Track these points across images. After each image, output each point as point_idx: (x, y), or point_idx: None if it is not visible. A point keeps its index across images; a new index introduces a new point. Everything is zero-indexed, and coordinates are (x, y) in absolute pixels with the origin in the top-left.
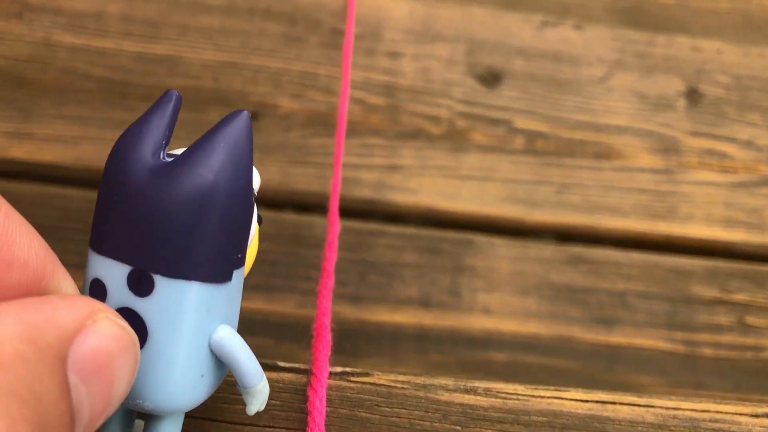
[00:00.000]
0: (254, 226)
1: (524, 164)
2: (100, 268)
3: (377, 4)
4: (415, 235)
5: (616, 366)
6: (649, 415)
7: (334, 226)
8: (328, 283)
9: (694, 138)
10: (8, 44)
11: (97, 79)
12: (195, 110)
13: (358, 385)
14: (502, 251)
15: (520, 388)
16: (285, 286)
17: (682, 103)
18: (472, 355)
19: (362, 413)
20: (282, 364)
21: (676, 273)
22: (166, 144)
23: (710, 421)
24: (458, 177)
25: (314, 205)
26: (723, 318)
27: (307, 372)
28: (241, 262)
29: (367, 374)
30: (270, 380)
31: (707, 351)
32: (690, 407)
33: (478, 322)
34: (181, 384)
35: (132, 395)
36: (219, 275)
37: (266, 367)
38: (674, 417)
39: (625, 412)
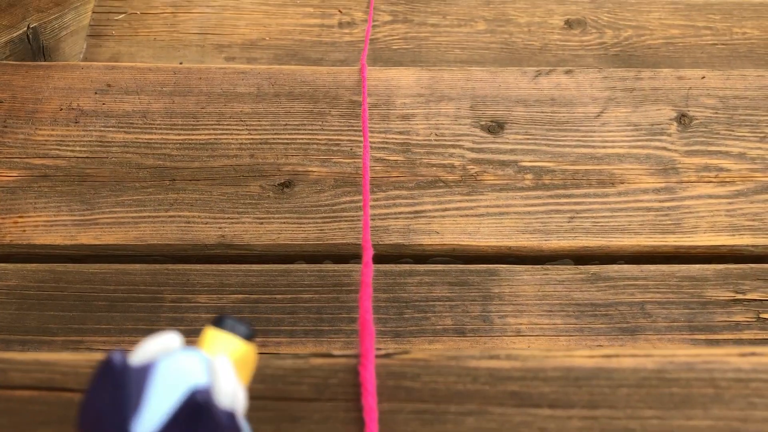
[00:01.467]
0: (242, 348)
1: (535, 198)
2: None
3: (387, 75)
4: (444, 270)
5: None
6: (649, 363)
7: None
8: (367, 291)
9: (690, 157)
10: (69, 146)
11: (148, 168)
12: (236, 184)
13: (400, 361)
14: (525, 277)
15: (536, 352)
16: (331, 330)
17: (674, 127)
18: None
19: (406, 383)
20: (335, 351)
21: (689, 280)
22: (131, 416)
23: (703, 362)
24: (476, 215)
25: (350, 255)
26: (741, 317)
27: (356, 356)
28: None
29: (406, 352)
30: (326, 365)
31: None
32: (685, 353)
33: (512, 344)
34: None
35: None
36: None
37: (321, 356)
38: (671, 362)
39: (628, 363)
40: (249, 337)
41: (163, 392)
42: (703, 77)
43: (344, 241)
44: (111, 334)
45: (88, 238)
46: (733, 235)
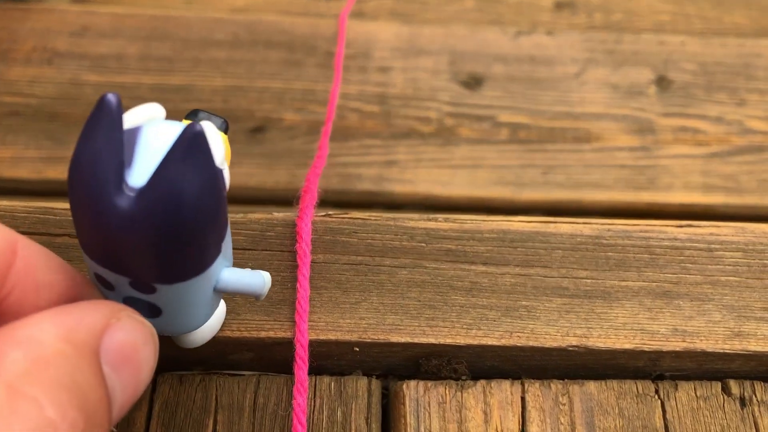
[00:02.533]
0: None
1: (510, 152)
2: (100, 270)
3: (366, 29)
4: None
5: (597, 301)
6: (586, 229)
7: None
8: (321, 162)
9: (667, 118)
10: (41, 86)
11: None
12: None
13: (339, 219)
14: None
15: (474, 216)
16: None
17: (653, 89)
18: None
19: (343, 238)
20: (275, 212)
21: None
22: (123, 165)
23: (641, 231)
24: (450, 167)
25: (321, 201)
26: None
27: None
28: (225, 234)
29: (345, 213)
30: (263, 219)
31: None
32: (623, 222)
33: None
34: (198, 318)
35: (161, 331)
36: (211, 261)
37: (260, 212)
38: (608, 230)
39: (565, 228)
40: (223, 129)
41: (151, 148)
42: (685, 44)
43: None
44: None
45: (54, 173)
46: (707, 194)
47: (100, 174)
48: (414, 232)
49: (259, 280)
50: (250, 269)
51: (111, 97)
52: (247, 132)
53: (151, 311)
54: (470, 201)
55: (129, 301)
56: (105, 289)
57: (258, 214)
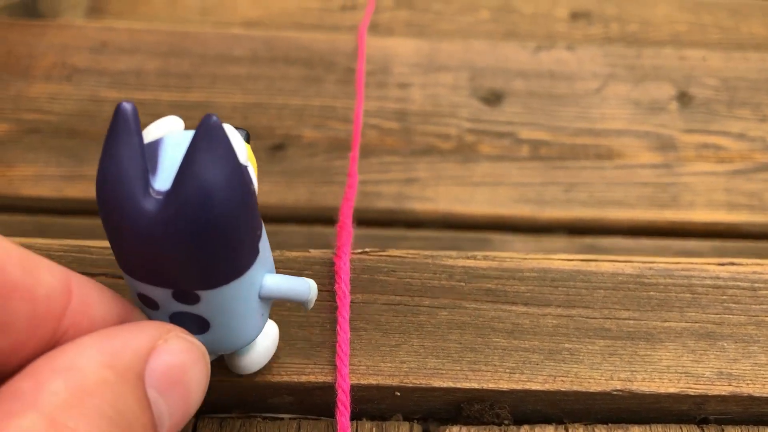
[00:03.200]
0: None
1: (531, 169)
2: (142, 288)
3: (385, 44)
4: (435, 237)
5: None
6: (628, 268)
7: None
8: (352, 193)
9: (689, 134)
10: (61, 103)
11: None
12: None
13: (376, 257)
14: (517, 246)
15: (514, 254)
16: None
17: (674, 105)
18: None
19: (381, 277)
20: (312, 250)
21: (685, 254)
22: (149, 172)
23: (682, 269)
24: (471, 184)
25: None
26: None
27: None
28: (261, 234)
29: (383, 250)
30: (301, 257)
31: None
32: (664, 260)
33: None
34: (248, 331)
35: (214, 351)
36: (250, 262)
37: (298, 251)
38: (650, 268)
39: (606, 267)
40: (246, 140)
41: (173, 155)
42: (706, 59)
43: (336, 204)
44: None
45: (74, 191)
46: (731, 212)
47: (126, 181)
48: (453, 271)
49: (303, 286)
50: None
51: (126, 106)
52: (267, 150)
53: (199, 326)
54: (491, 219)
55: (176, 318)
56: (150, 310)
57: (295, 252)
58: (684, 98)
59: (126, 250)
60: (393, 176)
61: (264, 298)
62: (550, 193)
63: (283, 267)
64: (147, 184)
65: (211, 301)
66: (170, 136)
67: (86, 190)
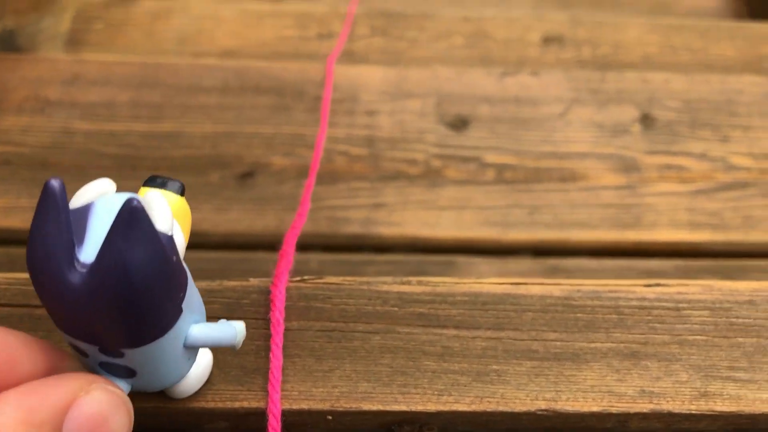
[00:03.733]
0: (177, 201)
1: (496, 192)
2: (71, 340)
3: (354, 73)
4: (402, 261)
5: (566, 363)
6: (556, 290)
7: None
8: (300, 221)
9: (652, 156)
10: (33, 134)
11: (111, 157)
12: (197, 175)
13: (313, 285)
14: (482, 268)
15: (446, 279)
16: None
17: (637, 127)
18: None
19: (317, 304)
20: (251, 279)
21: (648, 274)
22: (74, 244)
23: (610, 291)
24: (437, 208)
25: (309, 244)
26: None
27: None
28: (184, 296)
29: (320, 277)
30: (239, 287)
31: None
32: (592, 283)
33: None
34: (175, 374)
35: (141, 389)
36: (172, 322)
37: (235, 280)
38: (578, 291)
39: (535, 290)
40: (180, 191)
41: (101, 222)
42: (669, 81)
43: (305, 230)
44: None
45: None
46: (693, 231)
47: (52, 255)
48: (387, 296)
49: (229, 332)
50: (222, 321)
51: (54, 183)
52: (237, 177)
53: (126, 373)
54: (457, 242)
55: (104, 366)
56: (82, 356)
57: (233, 282)
58: (647, 120)
59: (55, 314)
60: (361, 201)
61: (189, 347)
62: (515, 215)
63: (220, 297)
64: (72, 258)
65: (135, 357)
66: (101, 201)
67: None
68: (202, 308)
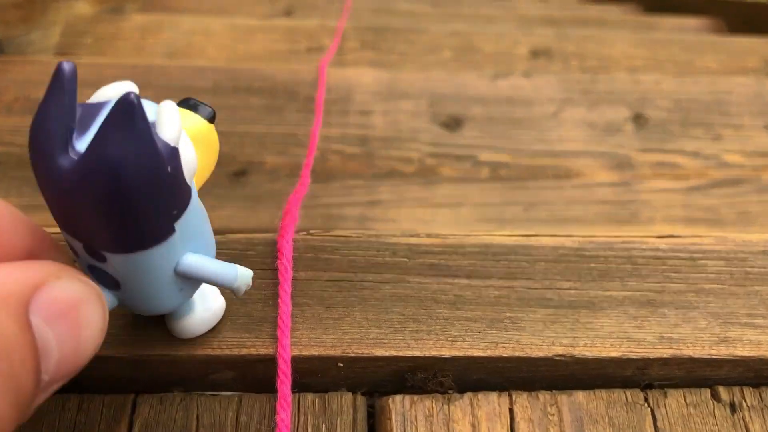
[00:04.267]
0: (202, 125)
1: (491, 190)
2: (65, 236)
3: (346, 75)
4: None
5: (581, 311)
6: (568, 242)
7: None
8: (302, 189)
9: (646, 154)
10: (23, 134)
11: None
12: None
13: (321, 237)
14: None
15: (456, 232)
16: None
17: (630, 126)
18: None
19: (325, 255)
20: (256, 234)
21: None
22: (73, 129)
23: (622, 242)
24: (433, 205)
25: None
26: None
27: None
28: (179, 215)
29: (328, 231)
30: (244, 239)
31: None
32: (604, 234)
33: None
34: (162, 301)
35: (130, 308)
36: (157, 238)
37: (240, 232)
38: (590, 242)
39: (547, 241)
40: (210, 118)
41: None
42: (659, 82)
43: (300, 228)
44: None
45: (35, 219)
46: (688, 226)
47: (50, 135)
48: (396, 248)
49: (229, 271)
50: (225, 261)
51: (65, 66)
52: (230, 175)
53: (112, 283)
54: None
55: (92, 270)
56: (75, 256)
57: (239, 235)
58: (639, 120)
59: (47, 198)
60: (356, 199)
61: (181, 275)
62: (511, 212)
63: (225, 248)
64: (67, 142)
65: (116, 265)
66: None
67: (47, 219)
68: (211, 245)
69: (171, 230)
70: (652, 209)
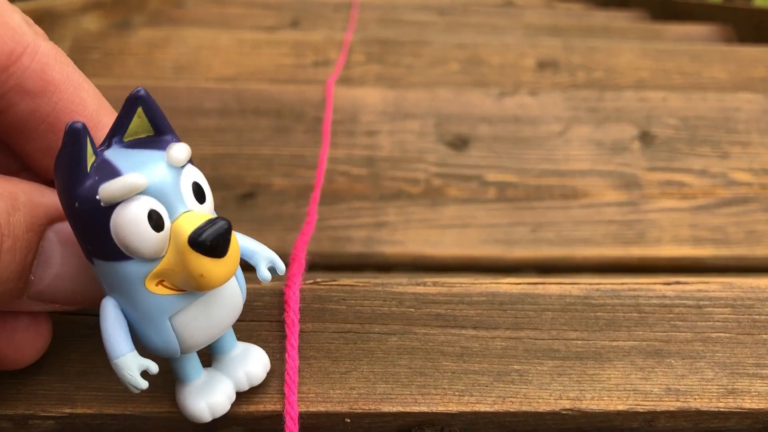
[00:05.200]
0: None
1: (498, 210)
2: None
3: (353, 95)
4: None
5: (588, 362)
6: (575, 290)
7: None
8: (309, 229)
9: (653, 173)
10: None
11: None
12: None
13: (327, 287)
14: None
15: (462, 280)
16: None
17: (636, 145)
18: None
19: (331, 306)
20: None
21: None
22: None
23: (629, 290)
24: (439, 227)
25: (312, 264)
26: None
27: (284, 280)
28: (92, 255)
29: (334, 279)
30: (251, 290)
31: None
32: (611, 281)
33: None
34: (145, 332)
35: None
36: (108, 257)
37: (248, 280)
38: (597, 290)
39: (553, 289)
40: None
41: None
42: (666, 99)
43: (308, 251)
44: None
45: None
46: (696, 246)
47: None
48: (403, 297)
49: (121, 350)
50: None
51: (76, 125)
52: (238, 198)
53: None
54: (460, 261)
55: None
56: None
57: (246, 284)
58: (646, 138)
59: None
60: (363, 221)
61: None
62: (518, 233)
63: None
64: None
65: (98, 271)
66: None
67: None
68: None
69: (90, 260)
70: (660, 229)
